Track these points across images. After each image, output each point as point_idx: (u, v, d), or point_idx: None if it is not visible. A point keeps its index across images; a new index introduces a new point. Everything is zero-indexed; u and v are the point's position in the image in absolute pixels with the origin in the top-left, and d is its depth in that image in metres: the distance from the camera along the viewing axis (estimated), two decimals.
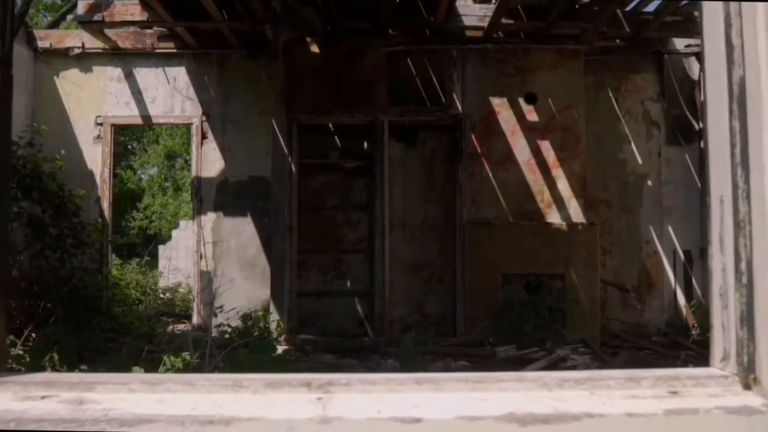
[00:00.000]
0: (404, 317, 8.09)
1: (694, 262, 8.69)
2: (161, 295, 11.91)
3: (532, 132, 7.88)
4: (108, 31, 8.30)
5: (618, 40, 8.22)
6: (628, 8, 7.69)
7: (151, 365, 3.85)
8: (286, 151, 7.82)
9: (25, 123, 8.21)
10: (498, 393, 1.06)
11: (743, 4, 1.08)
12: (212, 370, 3.26)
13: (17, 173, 7.29)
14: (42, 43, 8.60)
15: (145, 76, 8.73)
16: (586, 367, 6.44)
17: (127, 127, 13.45)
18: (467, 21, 7.71)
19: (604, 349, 7.26)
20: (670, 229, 8.72)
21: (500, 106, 7.91)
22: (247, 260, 8.53)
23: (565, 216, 7.82)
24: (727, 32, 1.12)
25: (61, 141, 8.35)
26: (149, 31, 8.57)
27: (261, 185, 8.42)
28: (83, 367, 5.40)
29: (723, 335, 1.14)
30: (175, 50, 8.61)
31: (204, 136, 8.62)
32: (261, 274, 8.40)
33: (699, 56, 8.68)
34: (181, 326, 8.88)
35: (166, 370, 3.65)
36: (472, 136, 7.87)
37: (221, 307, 8.09)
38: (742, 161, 1.08)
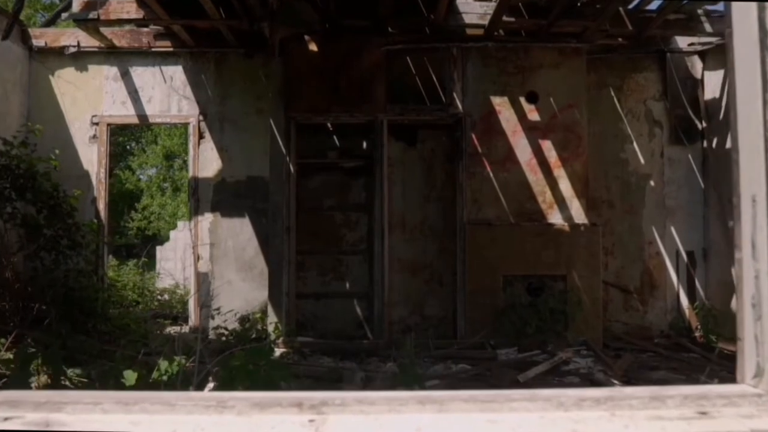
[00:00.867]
0: (404, 319, 7.99)
1: (697, 263, 8.59)
2: (158, 297, 11.80)
3: (533, 131, 7.79)
4: (104, 30, 8.19)
5: (620, 39, 8.12)
6: (630, 6, 7.59)
7: (146, 369, 3.73)
8: (284, 150, 7.73)
9: (20, 122, 8.12)
10: (509, 414, 0.96)
11: None
12: (205, 377, 3.15)
13: (11, 173, 7.20)
14: (37, 42, 8.49)
15: (142, 75, 8.62)
16: (589, 369, 6.34)
17: (124, 126, 13.37)
18: (468, 19, 7.62)
19: (607, 352, 7.17)
20: (672, 229, 8.62)
21: (501, 105, 7.81)
22: (245, 261, 8.43)
23: (567, 216, 7.73)
24: (760, 16, 1.02)
25: (57, 141, 8.25)
26: (145, 29, 8.47)
27: (259, 185, 8.32)
28: (76, 371, 5.30)
29: (756, 349, 1.03)
30: (171, 49, 8.51)
31: (201, 136, 8.52)
32: (259, 275, 8.30)
33: (702, 55, 8.60)
34: (177, 328, 8.77)
35: (159, 376, 3.54)
36: (473, 136, 7.78)
37: (218, 309, 8.00)
38: None
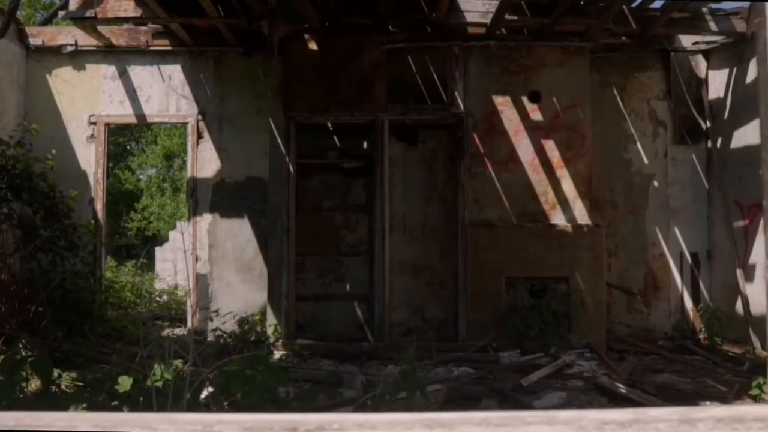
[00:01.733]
0: (405, 321, 7.90)
1: (701, 264, 8.49)
2: (157, 298, 11.71)
3: (535, 131, 7.70)
4: (101, 28, 8.12)
5: (624, 37, 8.03)
6: (634, 4, 7.50)
7: (142, 374, 3.63)
8: (283, 150, 7.64)
9: (16, 122, 8.04)
10: None
11: None
12: (198, 386, 3.06)
13: (7, 173, 7.12)
14: (34, 41, 8.41)
15: (140, 74, 8.54)
16: (593, 373, 6.25)
17: (122, 126, 13.28)
18: (469, 17, 7.53)
19: (610, 354, 7.08)
20: (676, 230, 8.53)
21: (503, 104, 7.72)
22: (244, 263, 8.34)
23: (570, 217, 7.64)
24: None
25: (54, 141, 8.17)
26: (144, 28, 8.39)
27: (258, 186, 8.23)
28: (72, 374, 5.21)
29: None
30: (170, 48, 8.43)
31: (200, 136, 8.44)
32: (258, 277, 8.21)
33: (707, 54, 8.51)
34: (176, 330, 8.68)
35: (154, 382, 3.45)
36: (475, 136, 7.69)
37: (217, 311, 7.91)
38: None
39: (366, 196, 8.08)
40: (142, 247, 16.29)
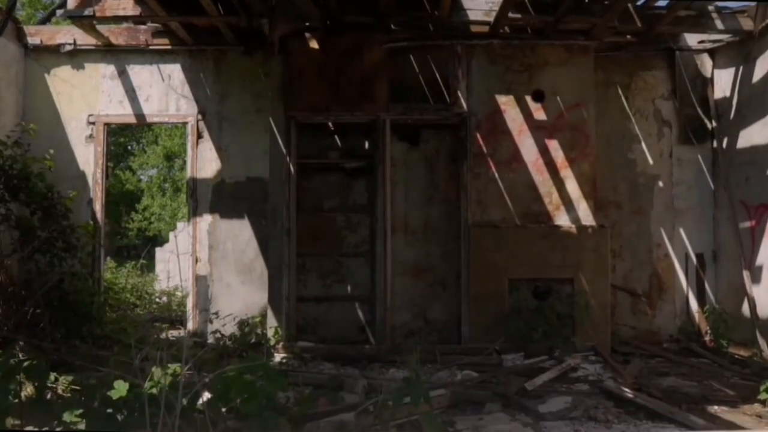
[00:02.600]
0: (407, 323, 7.81)
1: (707, 265, 8.39)
2: (157, 300, 11.63)
3: (539, 131, 7.61)
4: (100, 27, 8.04)
5: (629, 36, 7.94)
6: (639, 2, 7.41)
7: (137, 381, 3.55)
8: (284, 150, 7.57)
9: (14, 122, 7.96)
10: None
11: None
12: (194, 393, 2.97)
13: (4, 174, 7.05)
14: (32, 40, 8.33)
15: (139, 73, 8.46)
16: (598, 376, 6.15)
17: (121, 126, 13.21)
18: (472, 15, 7.44)
19: (615, 357, 6.99)
20: (681, 231, 8.43)
21: (506, 104, 7.63)
22: (245, 264, 8.25)
23: (574, 218, 7.55)
24: None
25: (53, 140, 8.12)
26: (143, 27, 8.31)
27: (258, 186, 8.15)
28: (68, 378, 5.12)
29: None
30: (169, 47, 8.35)
31: (200, 136, 8.36)
32: (258, 278, 8.13)
33: (712, 52, 8.41)
34: (176, 332, 8.60)
35: (151, 387, 3.36)
36: (478, 135, 7.60)
37: (217, 312, 7.83)
38: None
39: (367, 197, 7.99)
40: (143, 248, 16.23)
